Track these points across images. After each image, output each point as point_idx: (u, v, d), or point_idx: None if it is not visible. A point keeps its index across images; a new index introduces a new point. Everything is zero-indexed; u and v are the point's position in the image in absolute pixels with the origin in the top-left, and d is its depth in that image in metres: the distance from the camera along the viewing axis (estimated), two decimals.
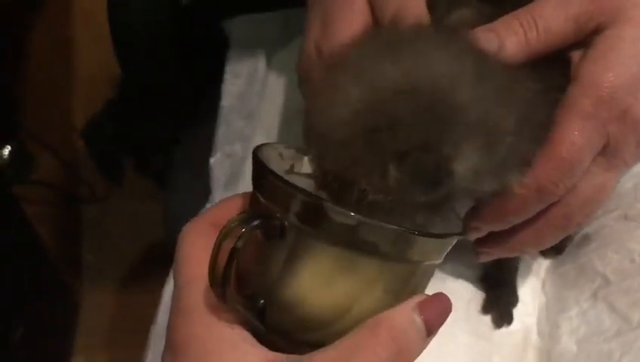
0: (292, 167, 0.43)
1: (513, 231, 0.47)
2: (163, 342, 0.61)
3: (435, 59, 0.38)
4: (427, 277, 0.39)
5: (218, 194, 0.69)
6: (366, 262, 0.35)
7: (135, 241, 1.46)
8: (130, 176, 1.54)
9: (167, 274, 0.66)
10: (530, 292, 0.62)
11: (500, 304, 0.60)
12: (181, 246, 0.40)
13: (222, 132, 0.72)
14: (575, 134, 0.42)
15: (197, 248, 0.39)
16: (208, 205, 0.69)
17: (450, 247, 0.39)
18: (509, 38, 0.43)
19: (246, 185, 0.67)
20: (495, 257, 0.51)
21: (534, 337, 0.61)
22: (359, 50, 0.41)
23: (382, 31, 0.44)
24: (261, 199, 0.36)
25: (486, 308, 0.61)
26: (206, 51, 0.83)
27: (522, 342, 0.60)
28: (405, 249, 0.35)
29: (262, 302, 0.36)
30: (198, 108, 0.83)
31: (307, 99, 0.50)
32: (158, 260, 0.69)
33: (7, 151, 1.40)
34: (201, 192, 0.72)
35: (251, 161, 0.38)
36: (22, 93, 1.39)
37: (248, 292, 0.36)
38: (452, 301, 0.38)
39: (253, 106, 0.73)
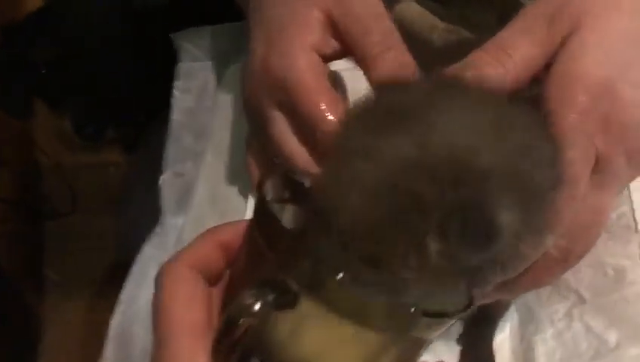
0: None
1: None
2: None
3: (447, 122, 0.36)
4: (427, 346, 0.38)
5: (169, 214, 0.67)
6: (377, 336, 0.34)
7: (100, 258, 1.43)
8: (93, 191, 1.51)
9: None
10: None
11: None
12: (160, 294, 0.37)
13: (172, 149, 0.70)
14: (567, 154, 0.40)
15: (178, 298, 0.36)
16: (159, 229, 0.66)
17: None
18: (493, 71, 0.43)
19: (197, 205, 0.66)
20: (491, 300, 0.50)
21: (507, 355, 0.59)
22: (359, 122, 0.38)
23: (377, 97, 0.41)
24: (270, 256, 0.35)
25: None
26: (158, 65, 0.81)
27: None
28: (415, 327, 0.35)
29: None
30: (150, 125, 0.80)
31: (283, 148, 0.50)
32: (123, 278, 0.66)
33: None
34: (155, 210, 0.69)
35: (256, 206, 0.37)
36: None
37: (244, 349, 0.34)
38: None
39: (205, 123, 0.71)
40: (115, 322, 0.63)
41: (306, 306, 0.33)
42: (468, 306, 0.36)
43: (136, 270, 0.64)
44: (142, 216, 0.71)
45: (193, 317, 0.36)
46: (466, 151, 0.34)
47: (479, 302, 0.47)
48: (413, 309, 0.33)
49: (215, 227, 0.39)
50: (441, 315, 0.35)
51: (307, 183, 0.41)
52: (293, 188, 0.41)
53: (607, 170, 0.43)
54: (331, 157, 0.39)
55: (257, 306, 0.32)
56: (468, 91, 0.39)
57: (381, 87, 0.45)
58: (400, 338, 0.35)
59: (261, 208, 0.36)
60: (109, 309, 0.64)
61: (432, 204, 0.34)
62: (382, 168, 0.35)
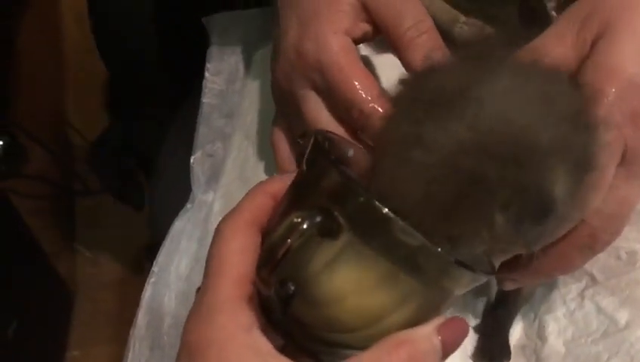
0: None
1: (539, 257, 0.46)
2: (142, 345, 0.62)
3: (493, 99, 0.37)
4: (451, 302, 0.39)
5: (199, 193, 0.68)
6: (408, 280, 0.35)
7: (130, 235, 1.45)
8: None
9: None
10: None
11: (491, 357, 0.59)
12: (215, 243, 0.39)
13: (202, 130, 0.71)
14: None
15: (231, 249, 0.39)
16: (189, 205, 0.68)
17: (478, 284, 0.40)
18: None
19: (226, 183, 0.67)
20: (521, 285, 0.51)
21: (519, 335, 0.60)
22: (407, 111, 0.39)
23: (417, 83, 0.42)
24: (318, 194, 0.36)
25: (477, 357, 0.59)
26: (188, 48, 0.82)
27: None
28: (448, 277, 0.36)
29: (292, 289, 0.36)
30: (182, 106, 0.82)
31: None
32: (153, 255, 0.68)
33: None
34: (185, 190, 0.70)
35: (310, 148, 0.38)
36: (12, 88, 1.37)
37: (281, 276, 0.35)
38: None
39: (234, 105, 0.72)
40: (147, 292, 0.65)
41: (346, 240, 0.35)
42: (493, 270, 0.39)
43: (167, 243, 0.66)
44: (172, 195, 0.73)
45: (243, 268, 0.38)
46: (520, 128, 0.36)
47: (508, 287, 0.49)
48: (448, 256, 0.34)
49: (264, 180, 0.42)
50: (470, 268, 0.36)
51: (350, 153, 0.43)
52: (337, 154, 0.42)
53: (634, 162, 0.43)
54: (383, 149, 0.39)
55: (305, 225, 0.33)
56: (505, 65, 0.40)
57: (418, 72, 0.45)
58: (428, 286, 0.36)
59: (322, 162, 0.37)
60: (138, 283, 0.66)
61: (497, 183, 0.35)
62: (440, 155, 0.36)
